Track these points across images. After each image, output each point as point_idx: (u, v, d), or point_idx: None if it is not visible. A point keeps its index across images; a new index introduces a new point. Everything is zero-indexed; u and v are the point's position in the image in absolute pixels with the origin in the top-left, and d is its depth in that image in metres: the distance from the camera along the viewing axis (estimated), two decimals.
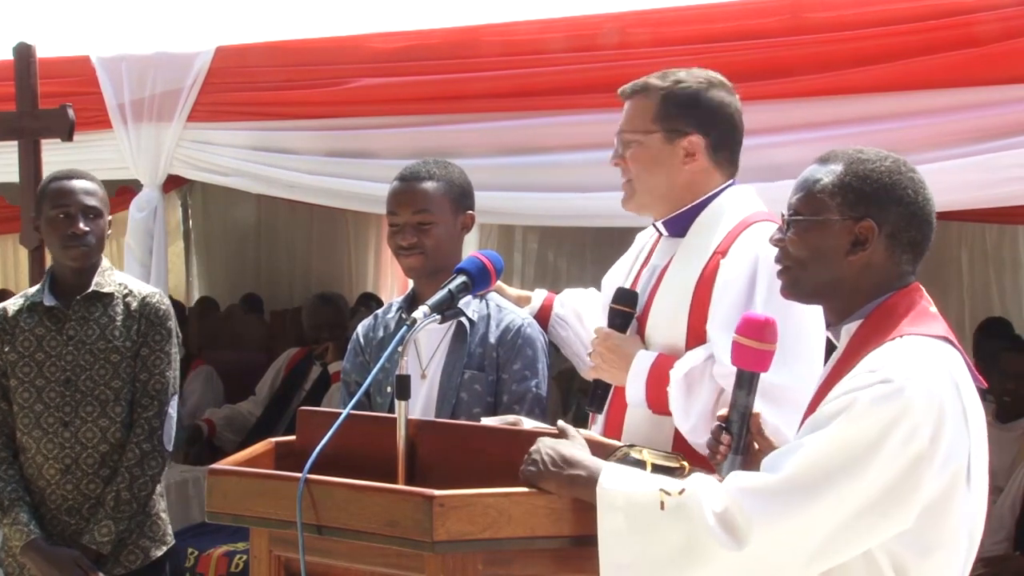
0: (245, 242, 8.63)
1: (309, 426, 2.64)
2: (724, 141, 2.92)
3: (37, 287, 3.90)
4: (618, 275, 3.13)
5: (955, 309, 7.45)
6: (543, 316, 3.39)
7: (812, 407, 2.25)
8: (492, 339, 3.27)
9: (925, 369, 2.12)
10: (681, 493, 2.15)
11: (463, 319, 3.25)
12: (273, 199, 6.90)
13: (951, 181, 3.57)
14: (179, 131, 5.00)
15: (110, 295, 3.78)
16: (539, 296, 3.43)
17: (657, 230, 3.02)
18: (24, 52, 4.73)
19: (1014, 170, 3.54)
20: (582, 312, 3.35)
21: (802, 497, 2.09)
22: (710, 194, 2.92)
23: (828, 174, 2.27)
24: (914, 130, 3.65)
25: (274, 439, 2.78)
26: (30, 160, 4.69)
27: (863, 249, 2.23)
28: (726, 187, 2.94)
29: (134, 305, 3.78)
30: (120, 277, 3.88)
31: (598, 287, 3.35)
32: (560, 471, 2.26)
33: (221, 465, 2.60)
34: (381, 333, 3.44)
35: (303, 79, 4.75)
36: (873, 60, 3.69)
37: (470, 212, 3.38)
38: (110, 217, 3.88)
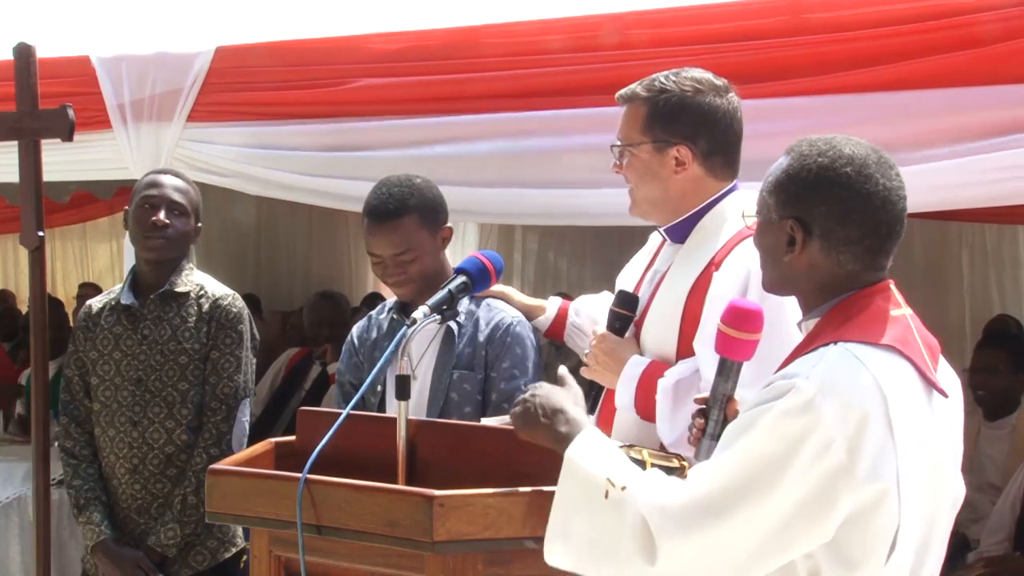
0: (245, 242, 8.63)
1: (309, 426, 2.65)
2: (715, 147, 2.86)
3: (120, 285, 3.91)
4: (630, 276, 3.12)
5: (955, 309, 7.45)
6: (558, 324, 3.37)
7: None
8: (481, 338, 3.28)
9: (844, 379, 2.05)
10: (623, 490, 2.13)
11: (451, 321, 3.26)
12: (273, 200, 6.90)
13: (951, 180, 3.56)
14: (179, 131, 4.99)
15: (185, 295, 3.78)
16: (553, 304, 3.40)
17: (660, 235, 3.01)
18: (24, 52, 4.72)
19: (1015, 170, 3.54)
20: (599, 319, 3.30)
21: (708, 518, 2.05)
22: (710, 200, 2.89)
23: (774, 171, 2.25)
24: (913, 130, 3.65)
25: (274, 439, 2.78)
26: (30, 160, 4.67)
27: (793, 249, 2.19)
28: (728, 192, 2.90)
29: (206, 307, 3.78)
30: (199, 278, 3.87)
31: (598, 287, 3.35)
32: (548, 424, 2.26)
33: (221, 465, 2.60)
34: (375, 334, 3.44)
35: (303, 79, 4.74)
36: (873, 61, 3.69)
37: (447, 226, 3.37)
38: (200, 224, 3.88)
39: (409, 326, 2.50)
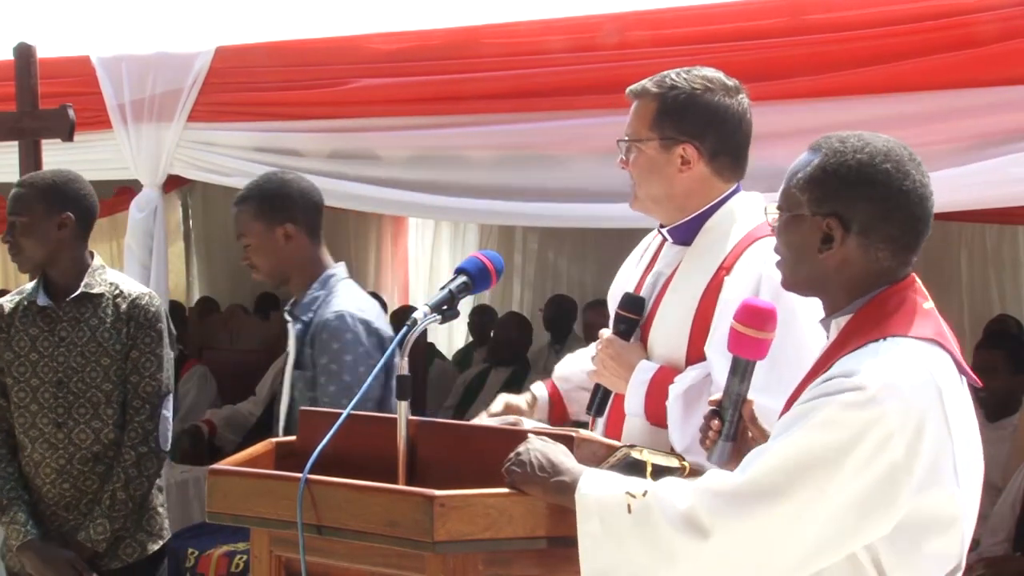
0: None
1: (309, 426, 2.64)
2: (722, 147, 2.84)
3: (32, 284, 3.87)
4: (627, 279, 3.09)
5: (955, 309, 7.45)
6: (556, 403, 3.21)
7: (794, 398, 2.22)
8: (309, 335, 3.45)
9: (905, 376, 2.07)
10: (644, 495, 2.15)
11: (300, 320, 3.48)
12: None
13: (952, 182, 3.56)
14: (179, 131, 5.00)
15: (100, 295, 3.76)
16: (540, 389, 3.22)
17: (662, 235, 2.97)
18: (24, 52, 4.73)
19: (1018, 171, 3.54)
20: (582, 380, 3.19)
21: (764, 500, 2.06)
22: (715, 201, 2.86)
23: (805, 166, 2.22)
24: (914, 131, 3.64)
25: (274, 439, 2.78)
26: (30, 160, 4.69)
27: (830, 247, 2.18)
28: (732, 193, 2.88)
29: (124, 307, 3.76)
30: (113, 276, 3.85)
31: (599, 287, 3.33)
32: (546, 477, 2.26)
33: (221, 465, 2.60)
34: None
35: (303, 79, 4.75)
36: (873, 61, 3.69)
37: (287, 225, 3.52)
38: (67, 213, 3.74)
39: (409, 327, 2.49)
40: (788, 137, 3.78)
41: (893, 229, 2.17)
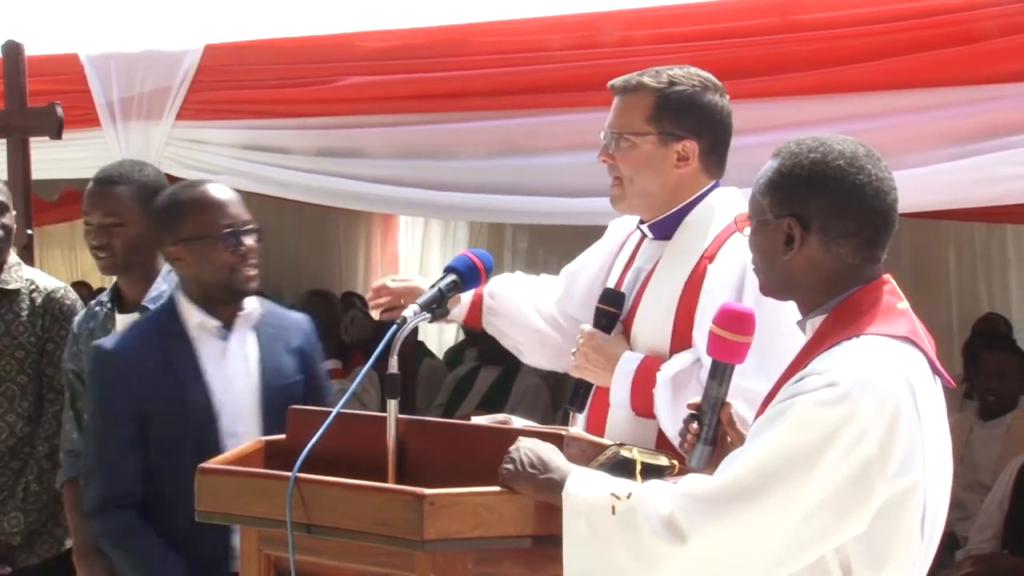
0: None
1: (299, 425, 2.63)
2: (716, 145, 2.88)
3: None
4: (590, 269, 3.09)
5: (943, 308, 7.46)
6: (474, 310, 3.22)
7: (770, 398, 2.23)
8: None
9: (877, 372, 2.08)
10: (629, 497, 2.15)
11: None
12: (262, 198, 6.92)
13: (944, 180, 3.56)
14: (168, 129, 4.99)
15: (15, 291, 3.78)
16: (467, 294, 3.17)
17: (642, 232, 2.99)
18: (13, 50, 4.71)
19: (1007, 169, 3.54)
20: (520, 304, 3.20)
21: (740, 502, 2.07)
22: (695, 196, 2.89)
23: (765, 173, 2.26)
24: (908, 129, 3.65)
25: (263, 438, 2.77)
26: (18, 158, 4.67)
27: (792, 247, 2.20)
28: (711, 189, 2.91)
29: (39, 301, 3.79)
30: (28, 273, 3.88)
31: None
32: (536, 474, 2.26)
33: (210, 464, 2.59)
34: (92, 324, 3.54)
35: (293, 77, 4.74)
36: (868, 58, 3.69)
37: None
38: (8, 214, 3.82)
39: (399, 325, 2.48)
40: (784, 133, 3.78)
41: (850, 224, 2.19)
